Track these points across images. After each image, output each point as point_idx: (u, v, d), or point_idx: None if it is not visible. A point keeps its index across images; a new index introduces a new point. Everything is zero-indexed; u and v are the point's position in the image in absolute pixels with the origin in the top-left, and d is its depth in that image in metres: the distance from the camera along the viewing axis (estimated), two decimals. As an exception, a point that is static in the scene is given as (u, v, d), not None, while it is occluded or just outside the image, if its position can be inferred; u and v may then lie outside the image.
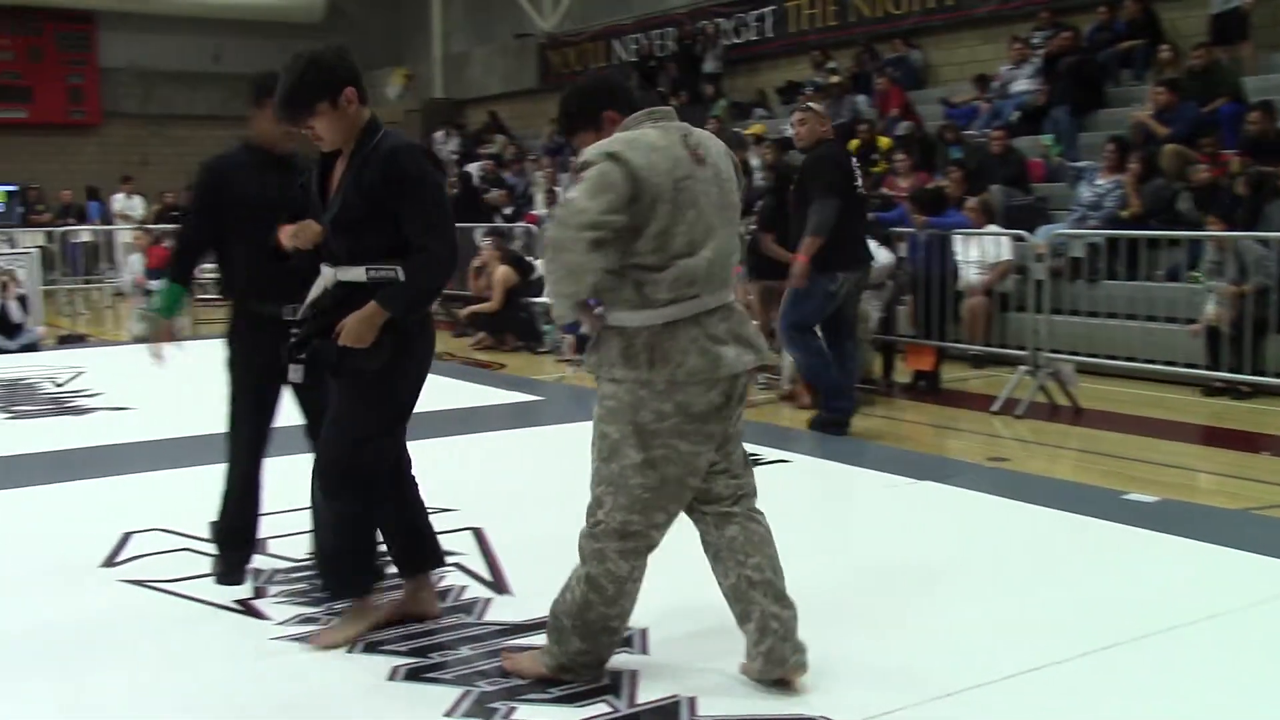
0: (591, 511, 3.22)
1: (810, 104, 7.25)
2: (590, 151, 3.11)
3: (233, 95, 26.83)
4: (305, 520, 4.25)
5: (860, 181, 6.91)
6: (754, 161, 12.59)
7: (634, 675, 3.32)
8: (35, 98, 23.40)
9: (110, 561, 4.38)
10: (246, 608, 3.94)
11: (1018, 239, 9.11)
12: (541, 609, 3.80)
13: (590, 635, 3.24)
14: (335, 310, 3.45)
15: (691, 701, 3.16)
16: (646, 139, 3.11)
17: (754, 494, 3.36)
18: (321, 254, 3.57)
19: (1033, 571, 4.31)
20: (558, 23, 21.22)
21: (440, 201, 3.47)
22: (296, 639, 3.64)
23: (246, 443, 4.03)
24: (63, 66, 24.09)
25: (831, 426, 6.84)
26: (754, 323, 8.49)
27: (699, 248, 3.11)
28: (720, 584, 3.30)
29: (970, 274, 9.29)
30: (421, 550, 3.83)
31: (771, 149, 11.52)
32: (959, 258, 9.18)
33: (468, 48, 23.55)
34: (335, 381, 3.52)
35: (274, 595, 4.05)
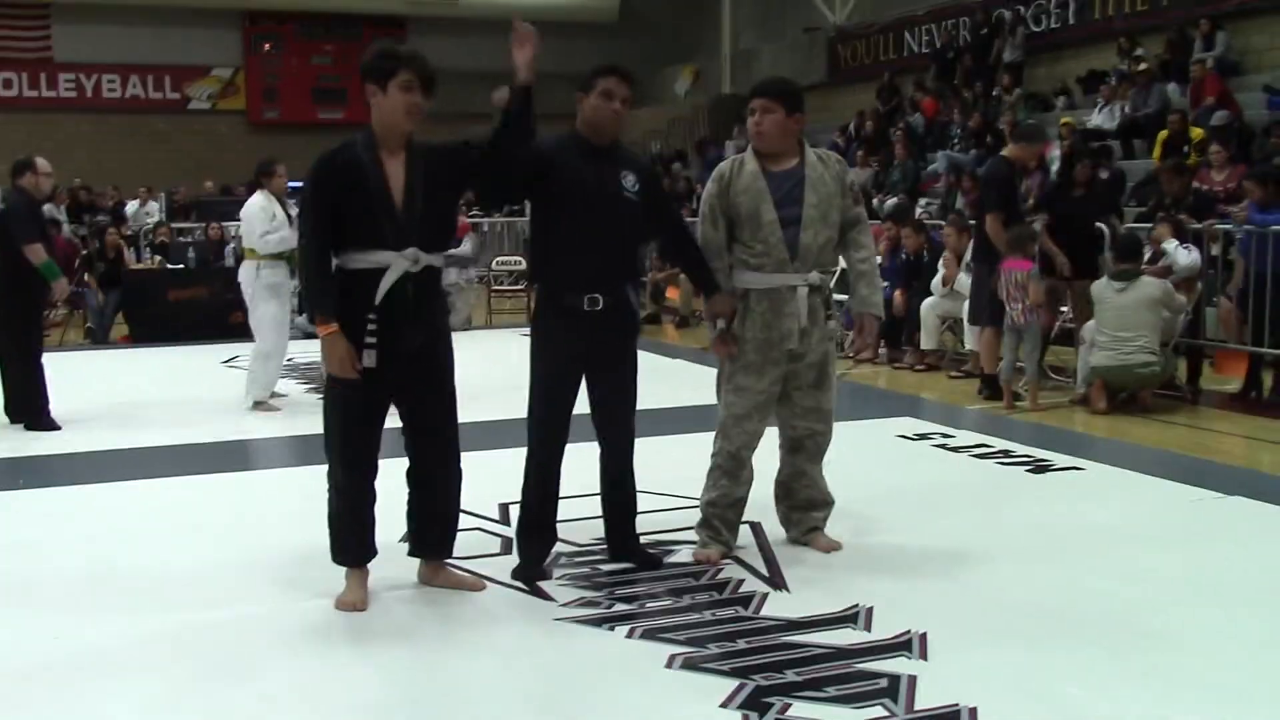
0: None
1: None
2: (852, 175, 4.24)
3: (528, 94, 27.84)
4: (593, 506, 4.40)
5: None
6: (1053, 153, 12.07)
7: (912, 681, 3.24)
8: (350, 99, 24.90)
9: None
10: (533, 588, 4.08)
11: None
12: (818, 605, 3.79)
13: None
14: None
15: (972, 712, 3.05)
16: None
17: None
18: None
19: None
20: (848, 16, 20.99)
21: None
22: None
23: (546, 434, 4.13)
24: (377, 69, 25.56)
25: None
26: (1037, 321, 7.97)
27: None
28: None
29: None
30: None
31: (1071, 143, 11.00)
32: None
33: (756, 44, 23.63)
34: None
35: (559, 578, 4.17)
